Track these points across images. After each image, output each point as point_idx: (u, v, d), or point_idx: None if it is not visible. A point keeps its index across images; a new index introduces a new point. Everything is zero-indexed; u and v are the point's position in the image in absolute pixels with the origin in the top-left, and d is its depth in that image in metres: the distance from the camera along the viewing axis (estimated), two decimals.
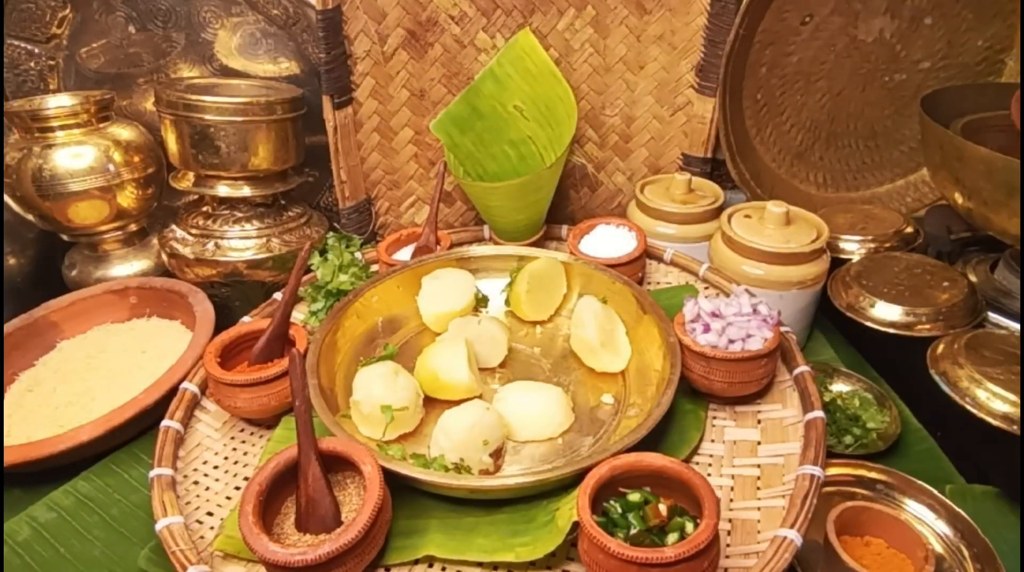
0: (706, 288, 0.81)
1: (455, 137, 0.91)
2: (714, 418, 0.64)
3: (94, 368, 0.77)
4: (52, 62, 0.94)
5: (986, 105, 0.83)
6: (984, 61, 0.92)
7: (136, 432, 0.70)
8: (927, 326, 0.75)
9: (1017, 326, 0.77)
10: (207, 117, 0.80)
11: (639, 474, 0.50)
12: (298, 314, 0.79)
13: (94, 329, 0.84)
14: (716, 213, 0.87)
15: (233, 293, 0.89)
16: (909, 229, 0.92)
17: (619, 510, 0.47)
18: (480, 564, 0.51)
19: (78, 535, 0.61)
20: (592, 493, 0.47)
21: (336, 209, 0.97)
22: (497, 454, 0.58)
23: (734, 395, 0.63)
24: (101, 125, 0.87)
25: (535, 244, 0.89)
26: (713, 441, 0.61)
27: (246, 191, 0.87)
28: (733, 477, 0.58)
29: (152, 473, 0.58)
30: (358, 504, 0.52)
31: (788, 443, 0.59)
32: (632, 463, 0.49)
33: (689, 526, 0.46)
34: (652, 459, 0.49)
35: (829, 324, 0.86)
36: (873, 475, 0.63)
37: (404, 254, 0.86)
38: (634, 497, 0.48)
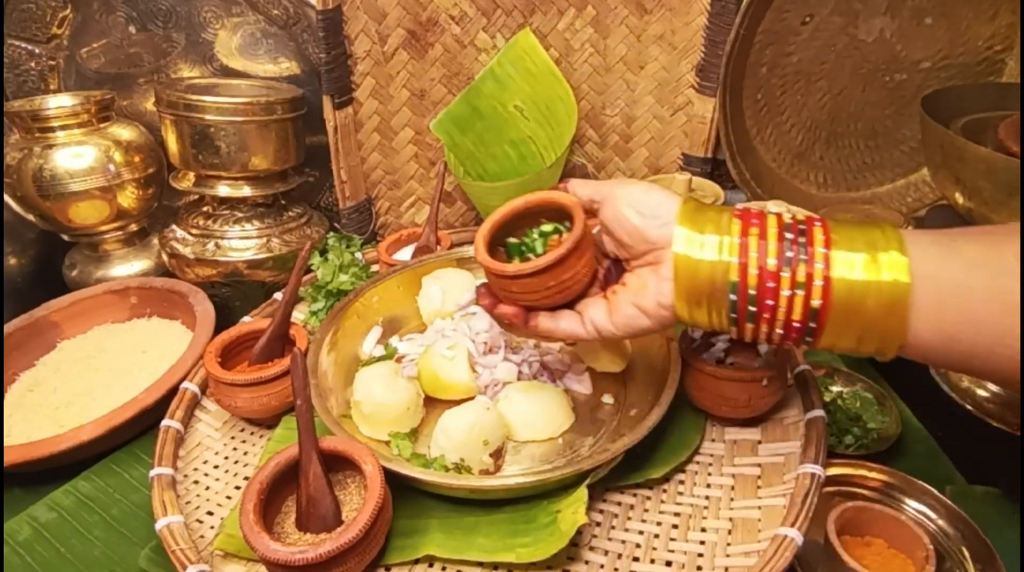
0: None
1: (455, 137, 0.91)
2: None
3: (94, 368, 0.77)
4: (52, 62, 0.94)
5: (986, 105, 0.83)
6: (984, 61, 0.92)
7: (136, 432, 0.70)
8: None
9: None
10: (207, 117, 0.80)
11: (536, 211, 0.53)
12: (298, 314, 0.79)
13: (94, 329, 0.84)
14: None
15: (233, 293, 0.89)
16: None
17: (535, 237, 0.52)
18: (480, 564, 0.51)
19: (78, 535, 0.61)
20: (493, 231, 0.52)
21: (336, 209, 0.97)
22: (497, 454, 0.58)
23: None
24: (101, 125, 0.87)
25: None
26: (713, 440, 0.61)
27: (246, 191, 0.87)
28: (734, 476, 0.57)
29: (152, 473, 0.58)
30: (359, 503, 0.52)
31: (789, 442, 0.59)
32: (526, 202, 0.53)
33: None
34: (535, 196, 0.52)
35: None
36: (873, 475, 0.63)
37: (404, 254, 0.86)
38: (547, 228, 0.52)
